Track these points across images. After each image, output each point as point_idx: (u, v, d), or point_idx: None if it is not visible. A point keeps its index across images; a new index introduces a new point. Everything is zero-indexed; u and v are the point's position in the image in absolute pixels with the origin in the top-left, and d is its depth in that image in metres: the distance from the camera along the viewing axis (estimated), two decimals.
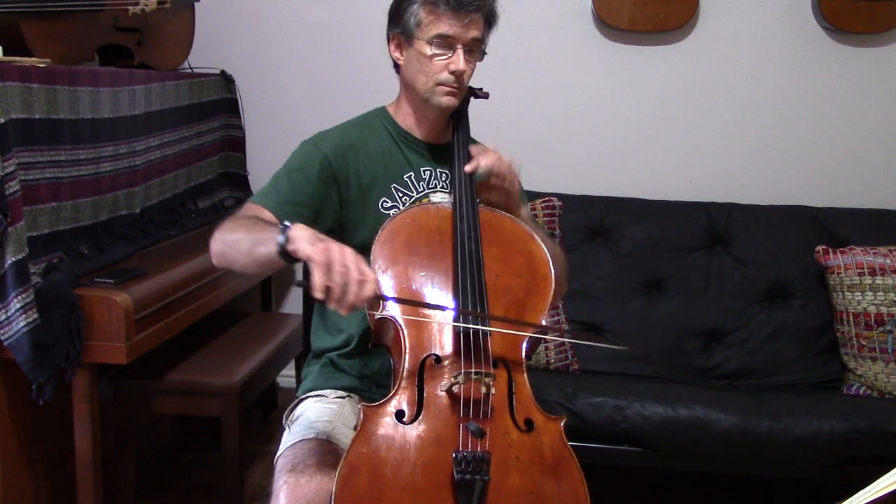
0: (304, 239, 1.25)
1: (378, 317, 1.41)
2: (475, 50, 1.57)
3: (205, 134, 2.88)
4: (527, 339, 1.45)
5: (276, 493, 1.40)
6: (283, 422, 1.64)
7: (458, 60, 1.54)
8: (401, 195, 1.63)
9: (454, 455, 1.29)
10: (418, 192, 1.65)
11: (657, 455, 2.19)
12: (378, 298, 1.36)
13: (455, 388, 1.34)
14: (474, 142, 1.70)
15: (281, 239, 1.27)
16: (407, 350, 1.38)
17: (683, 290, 2.67)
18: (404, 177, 1.65)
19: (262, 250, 1.32)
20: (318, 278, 1.21)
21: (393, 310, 1.41)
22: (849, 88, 2.95)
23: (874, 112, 2.96)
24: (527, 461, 1.33)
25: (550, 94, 3.05)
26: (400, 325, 1.40)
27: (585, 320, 2.63)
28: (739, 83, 2.98)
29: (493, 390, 1.34)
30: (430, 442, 1.31)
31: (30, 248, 1.85)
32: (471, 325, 1.39)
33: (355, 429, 1.33)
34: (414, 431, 1.32)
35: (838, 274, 2.52)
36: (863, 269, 2.48)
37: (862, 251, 2.51)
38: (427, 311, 1.43)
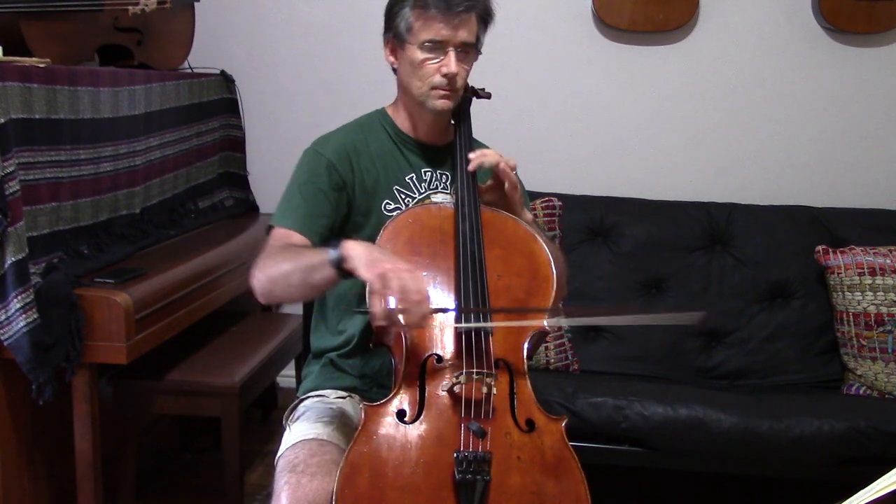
0: (358, 259, 1.27)
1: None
2: (468, 51, 1.56)
3: (205, 134, 2.88)
4: (528, 339, 1.45)
5: (277, 493, 1.40)
6: (284, 422, 1.64)
7: (451, 63, 1.52)
8: (403, 197, 1.63)
9: (455, 455, 1.29)
10: (420, 194, 1.65)
11: (657, 455, 2.19)
12: (435, 312, 1.37)
13: (456, 388, 1.34)
14: (477, 142, 1.70)
15: (336, 260, 1.29)
16: (408, 350, 1.38)
17: (683, 290, 2.67)
18: (406, 178, 1.65)
19: (319, 276, 1.33)
20: (374, 306, 1.23)
21: None
22: (849, 88, 2.95)
23: (874, 112, 2.96)
24: (528, 461, 1.33)
25: (550, 93, 3.05)
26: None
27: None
28: (739, 83, 2.98)
29: (494, 390, 1.34)
30: (432, 442, 1.31)
31: (30, 248, 1.85)
32: (472, 325, 1.39)
33: (356, 428, 1.33)
34: (415, 431, 1.32)
35: (838, 274, 2.52)
36: (863, 269, 2.48)
37: (862, 251, 2.51)
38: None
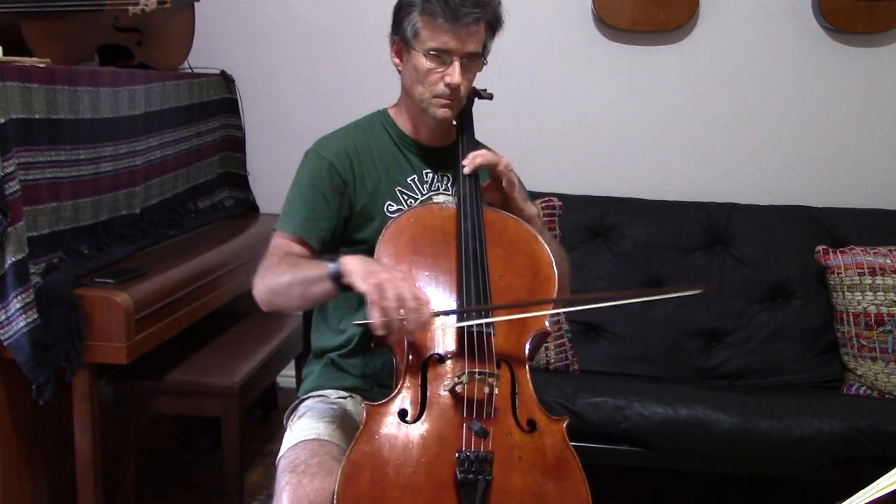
0: (355, 273, 1.31)
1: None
2: (474, 60, 1.56)
3: (205, 134, 2.88)
4: (530, 339, 1.45)
5: (278, 493, 1.40)
6: (285, 422, 1.64)
7: (455, 74, 1.52)
8: (406, 198, 1.63)
9: (457, 455, 1.29)
10: (422, 196, 1.65)
11: (657, 455, 2.19)
12: (435, 316, 1.38)
13: (458, 388, 1.34)
14: (478, 143, 1.70)
15: (334, 274, 1.33)
16: (410, 350, 1.38)
17: None
18: (408, 180, 1.65)
19: (317, 290, 1.38)
20: (374, 317, 1.25)
21: None
22: (849, 88, 2.95)
23: (874, 112, 2.96)
24: (529, 461, 1.33)
25: (550, 94, 3.05)
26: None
27: (585, 320, 2.63)
28: (739, 83, 2.98)
29: (496, 391, 1.34)
30: (433, 441, 1.31)
31: (30, 248, 1.85)
32: (474, 321, 1.39)
33: (357, 428, 1.33)
34: (417, 431, 1.32)
35: (838, 274, 2.52)
36: (863, 269, 2.48)
37: (862, 251, 2.51)
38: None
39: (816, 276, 2.62)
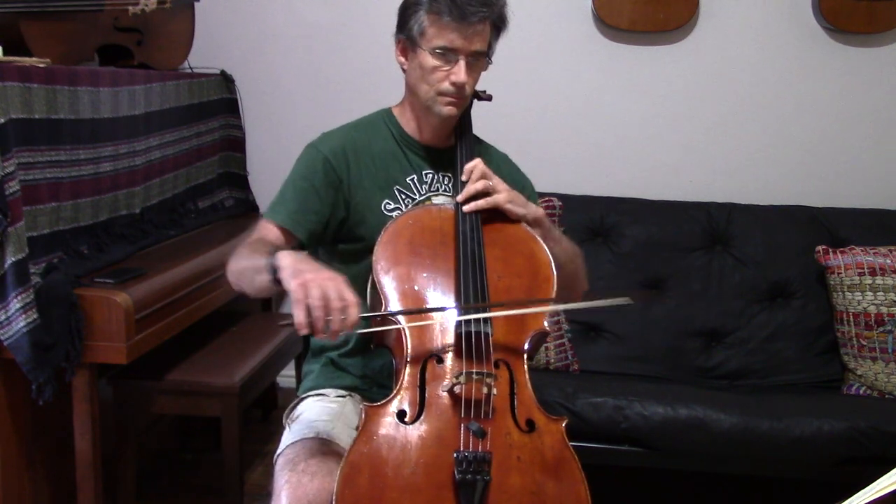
0: (285, 269, 1.29)
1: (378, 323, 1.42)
2: (479, 59, 1.56)
3: (205, 134, 2.88)
4: (529, 340, 1.45)
5: (277, 492, 1.40)
6: (284, 421, 1.64)
7: (460, 72, 1.52)
8: (403, 197, 1.63)
9: (455, 455, 1.29)
10: (420, 195, 1.65)
11: (657, 455, 2.19)
12: (366, 318, 1.38)
13: (457, 389, 1.34)
14: (479, 140, 1.71)
15: (269, 267, 1.32)
16: (409, 350, 1.38)
17: (683, 290, 2.67)
18: (407, 179, 1.65)
19: (261, 279, 1.36)
20: (297, 316, 1.23)
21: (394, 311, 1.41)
22: (849, 88, 2.95)
23: (874, 112, 2.96)
24: (528, 462, 1.33)
25: (550, 93, 3.05)
26: (402, 326, 1.40)
27: (585, 320, 2.63)
28: (739, 83, 2.98)
29: (494, 391, 1.33)
30: (432, 442, 1.31)
31: (30, 248, 1.85)
32: (472, 316, 1.39)
33: (356, 428, 1.33)
34: (415, 431, 1.32)
35: (838, 274, 2.52)
36: (863, 269, 2.48)
37: (862, 251, 2.51)
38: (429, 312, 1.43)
39: (816, 276, 2.62)
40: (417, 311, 1.43)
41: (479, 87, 1.71)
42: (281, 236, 1.55)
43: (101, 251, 2.15)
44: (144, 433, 2.54)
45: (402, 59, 1.62)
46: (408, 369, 1.37)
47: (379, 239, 1.48)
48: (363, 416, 1.33)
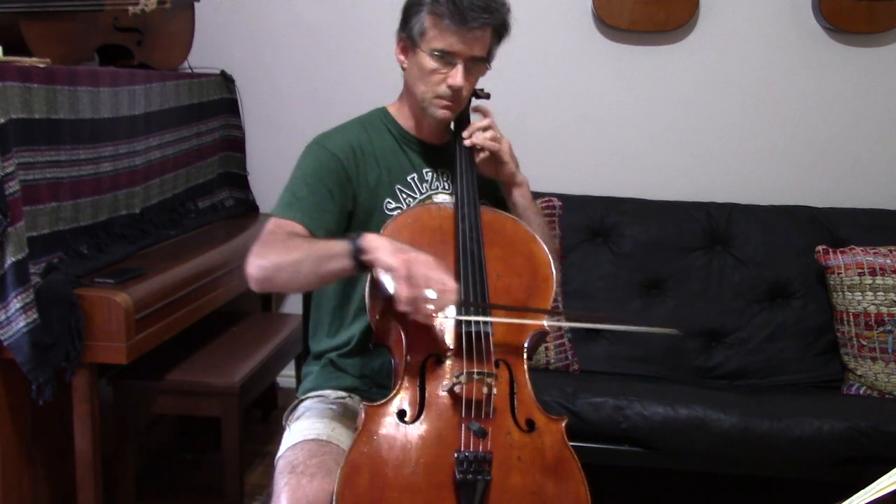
0: (382, 249, 1.30)
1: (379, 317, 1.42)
2: (477, 65, 1.56)
3: (205, 134, 2.88)
4: (529, 339, 1.45)
5: (277, 493, 1.40)
6: (284, 422, 1.64)
7: (457, 76, 1.52)
8: (405, 196, 1.63)
9: (456, 455, 1.29)
10: (421, 194, 1.65)
11: (657, 455, 2.19)
12: (458, 307, 1.38)
13: (457, 388, 1.34)
14: None
15: (354, 251, 1.32)
16: (408, 350, 1.38)
17: (683, 290, 2.67)
18: (408, 178, 1.65)
19: (333, 266, 1.35)
20: (403, 291, 1.25)
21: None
22: (849, 88, 2.95)
23: (874, 112, 2.96)
24: (528, 461, 1.33)
25: (550, 94, 3.05)
26: (489, 320, 1.40)
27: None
28: (739, 83, 2.98)
29: (494, 391, 1.34)
30: (432, 442, 1.31)
31: (30, 248, 1.85)
32: (472, 317, 1.39)
33: (356, 429, 1.33)
34: (416, 431, 1.32)
35: (838, 274, 2.52)
36: (863, 269, 2.48)
37: (862, 251, 2.51)
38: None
39: (816, 276, 2.62)
40: (512, 307, 1.45)
41: (478, 85, 1.71)
42: (308, 233, 1.51)
43: (101, 251, 2.15)
44: (144, 433, 2.54)
45: (402, 58, 1.62)
46: (407, 369, 1.37)
47: None
48: (363, 415, 1.33)
